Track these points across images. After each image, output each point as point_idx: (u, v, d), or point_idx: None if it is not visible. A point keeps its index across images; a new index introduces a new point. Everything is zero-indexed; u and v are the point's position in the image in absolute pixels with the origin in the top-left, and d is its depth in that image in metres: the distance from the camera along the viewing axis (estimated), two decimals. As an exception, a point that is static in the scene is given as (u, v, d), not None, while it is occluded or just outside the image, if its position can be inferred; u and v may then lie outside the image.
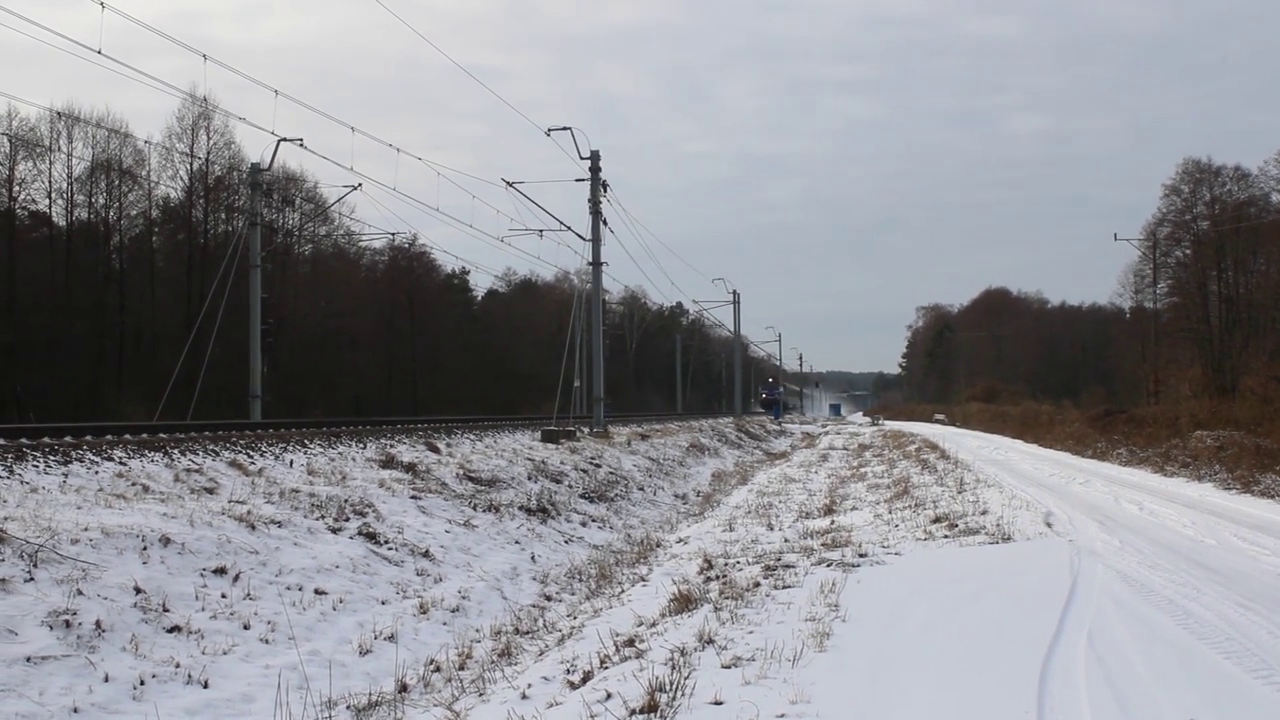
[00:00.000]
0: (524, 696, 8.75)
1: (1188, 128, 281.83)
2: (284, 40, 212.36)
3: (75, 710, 8.54)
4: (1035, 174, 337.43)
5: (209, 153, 61.60)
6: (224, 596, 11.50)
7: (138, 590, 10.73)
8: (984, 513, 17.96)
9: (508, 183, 40.58)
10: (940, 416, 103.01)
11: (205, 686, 9.53)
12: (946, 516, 17.62)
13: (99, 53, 25.36)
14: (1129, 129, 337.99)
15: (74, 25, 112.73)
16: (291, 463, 19.57)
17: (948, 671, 7.95)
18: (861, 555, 13.86)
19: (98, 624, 9.77)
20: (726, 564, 14.28)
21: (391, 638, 11.74)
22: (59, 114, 56.24)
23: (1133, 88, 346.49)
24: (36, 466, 15.07)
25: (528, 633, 12.53)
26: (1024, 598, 10.77)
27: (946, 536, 15.58)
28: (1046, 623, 9.29)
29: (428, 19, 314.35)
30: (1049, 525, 16.53)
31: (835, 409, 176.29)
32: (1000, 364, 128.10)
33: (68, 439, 18.24)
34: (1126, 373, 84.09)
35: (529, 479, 23.78)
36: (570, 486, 24.77)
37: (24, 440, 17.36)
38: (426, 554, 15.52)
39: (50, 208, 58.49)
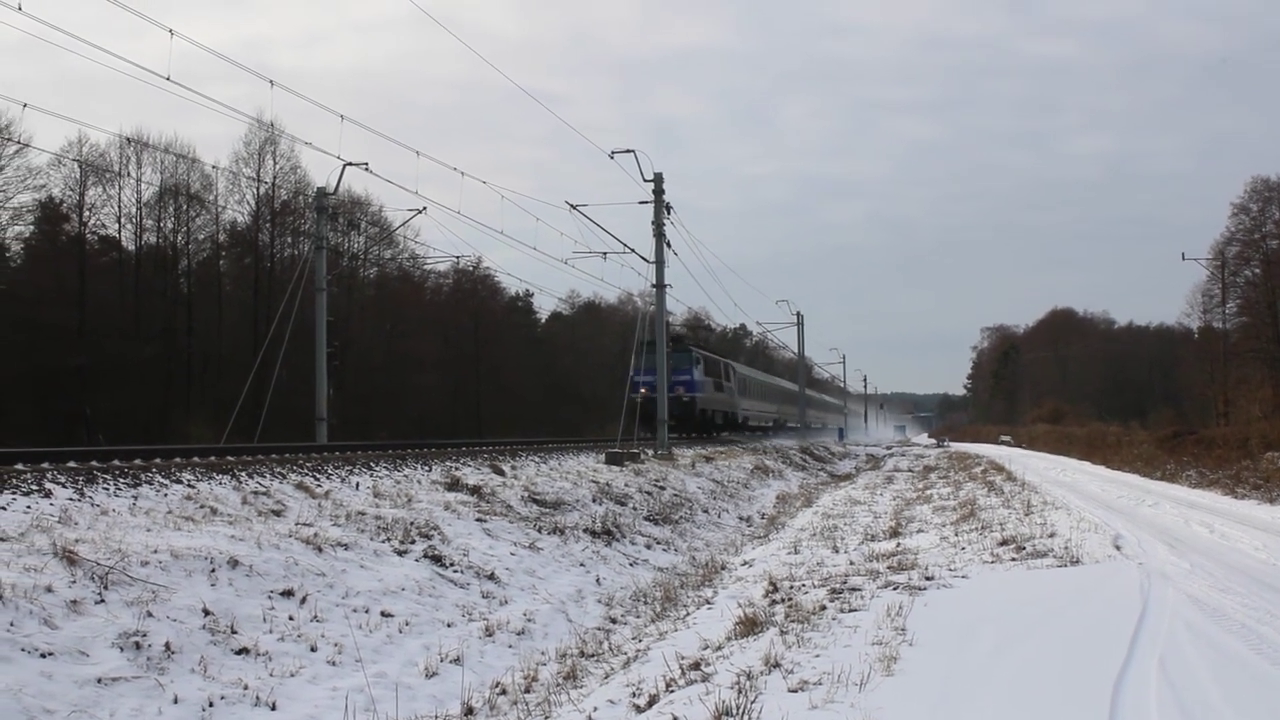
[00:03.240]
0: (589, 719, 8.75)
1: (1254, 146, 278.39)
2: (349, 66, 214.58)
3: (145, 731, 8.61)
4: (1099, 194, 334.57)
5: (275, 177, 62.42)
6: (291, 618, 11.57)
7: (206, 612, 10.81)
8: (1051, 535, 17.78)
9: (571, 205, 40.45)
10: (1006, 438, 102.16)
11: (273, 709, 9.59)
12: (1014, 539, 17.45)
13: (168, 79, 25.69)
14: (1193, 148, 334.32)
15: (143, 53, 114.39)
16: (357, 485, 19.68)
17: (1017, 695, 7.87)
18: (928, 578, 13.74)
19: (167, 645, 9.86)
20: (792, 587, 14.21)
21: (457, 660, 11.76)
22: (128, 140, 57.16)
23: (1196, 106, 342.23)
24: (107, 489, 15.22)
25: (593, 655, 12.52)
26: (1093, 621, 10.64)
27: (1014, 559, 15.44)
28: (1117, 647, 9.17)
29: (490, 44, 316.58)
30: (1118, 548, 16.32)
31: (900, 430, 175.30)
32: (1066, 385, 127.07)
33: (137, 462, 18.42)
34: (1195, 393, 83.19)
35: (593, 501, 23.79)
36: (634, 509, 24.74)
37: (94, 463, 17.54)
38: (492, 576, 15.55)
39: (120, 232, 59.46)
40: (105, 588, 10.45)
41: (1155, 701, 7.59)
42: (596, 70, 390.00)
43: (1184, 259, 71.93)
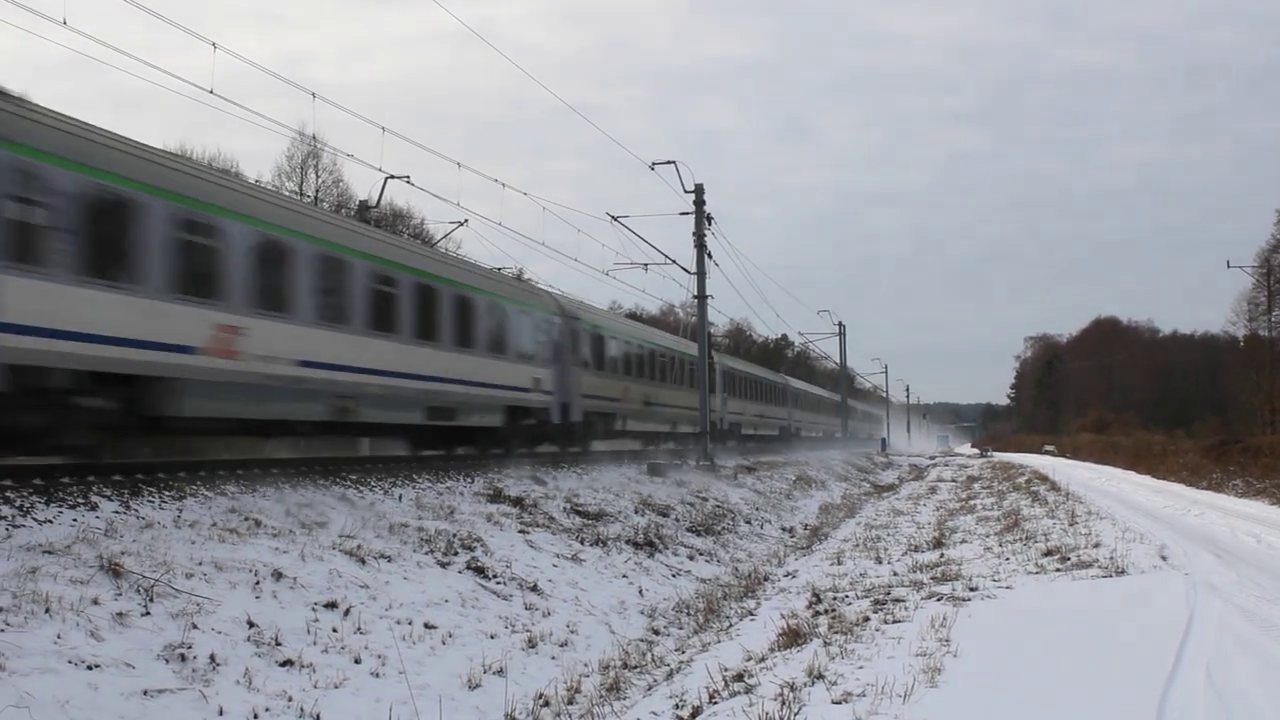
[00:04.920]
0: (632, 731, 8.75)
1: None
2: (390, 79, 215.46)
3: (191, 743, 8.65)
4: (1141, 201, 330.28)
5: (318, 190, 62.59)
6: (335, 630, 11.61)
7: (250, 624, 10.86)
8: (1096, 545, 17.63)
9: (613, 217, 40.48)
10: (1050, 448, 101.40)
11: (317, 720, 9.63)
12: (1058, 549, 17.32)
13: (211, 92, 25.79)
14: (1236, 155, 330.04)
15: (187, 68, 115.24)
16: (400, 497, 19.72)
17: (1063, 707, 7.81)
18: (972, 589, 13.66)
19: (212, 657, 9.90)
20: (835, 598, 14.16)
21: (500, 672, 11.77)
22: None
23: (1239, 114, 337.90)
24: (151, 502, 15.31)
25: (636, 667, 12.51)
26: (1139, 632, 10.55)
27: (1058, 570, 15.32)
28: (1163, 657, 9.09)
29: (529, 57, 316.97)
30: (1164, 558, 16.16)
31: (943, 440, 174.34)
32: (1111, 394, 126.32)
33: (181, 474, 18.51)
34: (1241, 402, 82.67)
35: (635, 512, 23.78)
36: (677, 520, 24.72)
37: (140, 476, 17.65)
38: (534, 588, 15.56)
39: (164, 247, 59.65)
40: (150, 600, 10.52)
41: (1202, 712, 7.52)
42: (634, 81, 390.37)
43: (1229, 267, 71.46)
